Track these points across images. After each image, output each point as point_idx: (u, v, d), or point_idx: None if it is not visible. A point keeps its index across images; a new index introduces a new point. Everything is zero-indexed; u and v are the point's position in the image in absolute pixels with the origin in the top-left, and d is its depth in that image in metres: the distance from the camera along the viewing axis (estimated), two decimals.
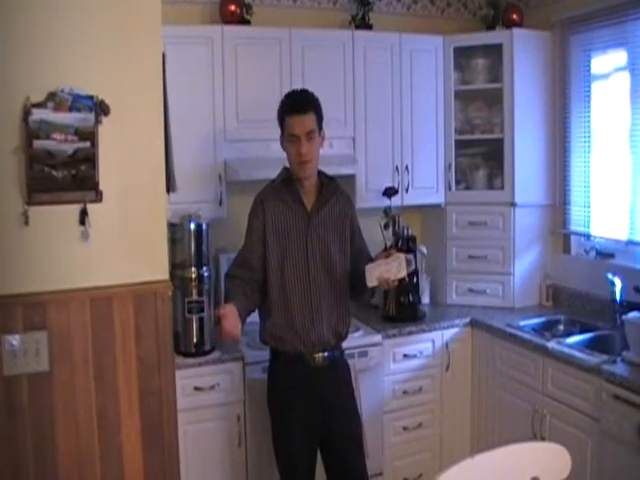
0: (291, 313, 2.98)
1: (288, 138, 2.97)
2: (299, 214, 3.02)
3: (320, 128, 3.02)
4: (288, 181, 3.05)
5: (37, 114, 2.30)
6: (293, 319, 2.98)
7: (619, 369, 3.06)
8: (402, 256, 2.88)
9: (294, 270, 2.99)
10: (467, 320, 4.06)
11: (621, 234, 3.85)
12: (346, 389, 3.14)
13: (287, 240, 2.99)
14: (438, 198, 4.36)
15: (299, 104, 2.98)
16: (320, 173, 3.11)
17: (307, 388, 2.99)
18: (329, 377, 3.04)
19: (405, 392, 3.88)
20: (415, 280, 4.13)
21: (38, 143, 2.31)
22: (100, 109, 2.40)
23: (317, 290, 3.00)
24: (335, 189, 3.14)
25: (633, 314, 3.19)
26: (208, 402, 3.38)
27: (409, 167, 4.21)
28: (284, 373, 3.05)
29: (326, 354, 3.04)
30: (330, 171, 3.22)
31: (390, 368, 3.82)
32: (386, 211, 4.03)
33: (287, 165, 3.07)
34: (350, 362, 3.30)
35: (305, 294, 2.98)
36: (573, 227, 4.24)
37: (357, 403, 3.20)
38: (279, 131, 3.01)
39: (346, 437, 3.07)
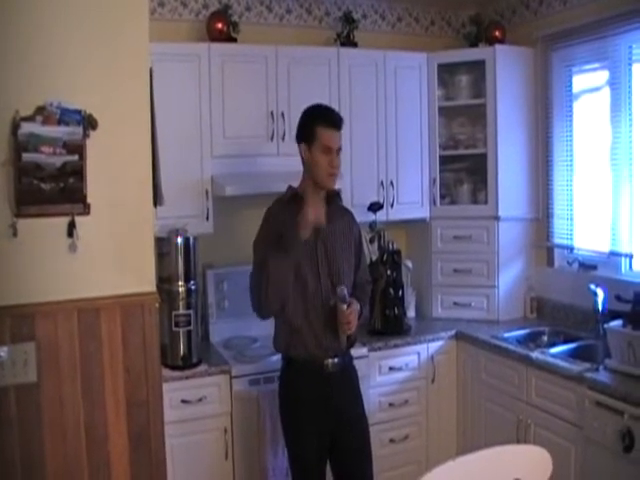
0: (308, 319, 3.01)
1: (323, 149, 3.01)
2: None
3: None
4: (295, 198, 3.08)
5: (26, 127, 2.32)
6: (311, 324, 3.01)
7: (602, 376, 3.11)
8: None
9: (308, 278, 3.00)
10: (452, 333, 4.10)
11: (603, 246, 3.91)
12: (356, 396, 3.17)
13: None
14: (423, 213, 4.41)
15: (337, 120, 3.07)
16: None
17: (319, 398, 3.03)
18: (340, 385, 3.08)
19: (391, 404, 3.91)
20: (401, 294, 4.16)
21: (27, 156, 2.32)
22: (88, 123, 2.42)
23: (327, 298, 3.03)
24: (341, 205, 3.25)
25: (614, 323, 3.24)
26: (195, 415, 3.39)
27: (394, 182, 4.26)
28: (297, 383, 3.08)
29: (337, 360, 3.07)
30: None
31: (376, 380, 3.85)
32: (371, 226, 4.06)
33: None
34: None
35: (318, 301, 3.02)
36: (556, 240, 4.30)
37: (365, 409, 3.22)
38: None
39: (355, 445, 3.11)
